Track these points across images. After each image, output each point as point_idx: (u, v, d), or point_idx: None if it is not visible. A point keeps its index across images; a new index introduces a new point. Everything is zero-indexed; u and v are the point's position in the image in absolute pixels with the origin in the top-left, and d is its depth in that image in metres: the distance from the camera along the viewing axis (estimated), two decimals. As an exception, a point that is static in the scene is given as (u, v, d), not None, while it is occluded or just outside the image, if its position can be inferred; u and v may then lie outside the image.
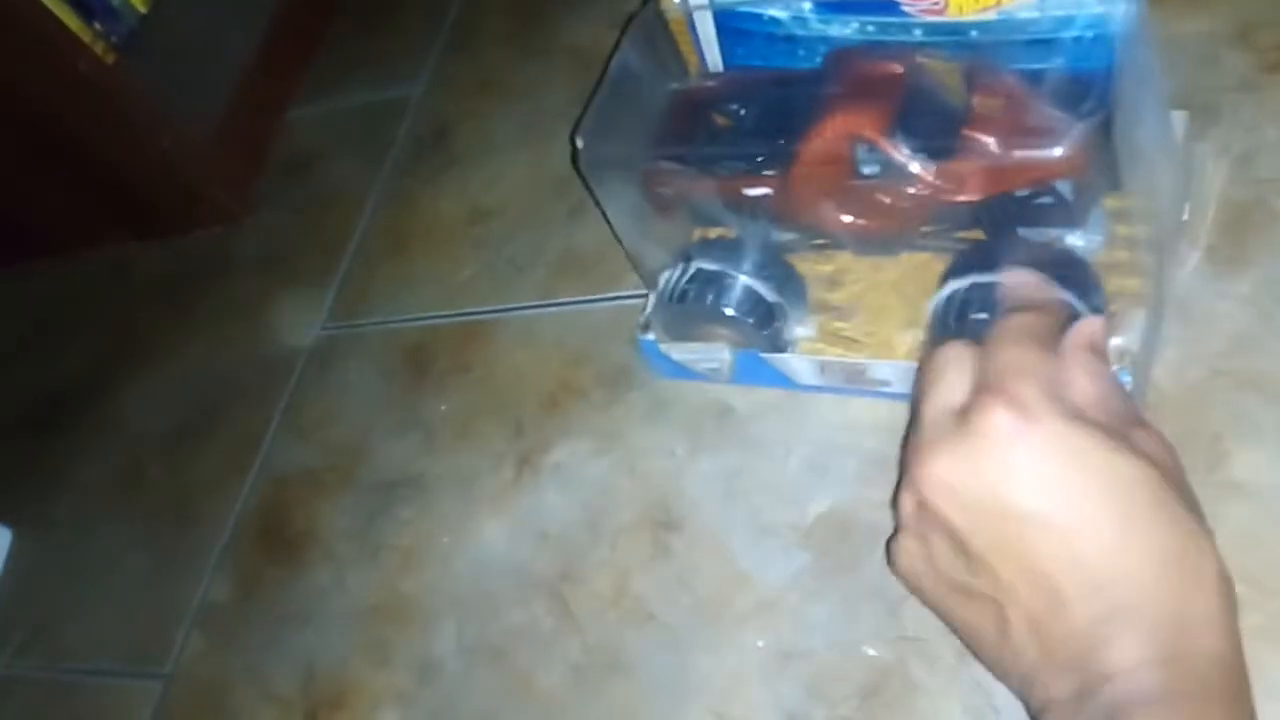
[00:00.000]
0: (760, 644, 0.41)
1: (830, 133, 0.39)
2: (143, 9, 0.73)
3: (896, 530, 0.32)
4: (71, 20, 0.66)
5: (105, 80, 0.69)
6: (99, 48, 0.68)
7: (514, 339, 0.57)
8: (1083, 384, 0.31)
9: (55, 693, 0.57)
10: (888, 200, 0.40)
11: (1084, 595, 0.27)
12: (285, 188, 0.76)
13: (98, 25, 0.69)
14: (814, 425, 0.46)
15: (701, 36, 0.44)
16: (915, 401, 0.32)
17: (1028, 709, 0.30)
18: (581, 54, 0.69)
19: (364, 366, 0.61)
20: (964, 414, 0.29)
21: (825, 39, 0.41)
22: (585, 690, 0.43)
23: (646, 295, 0.49)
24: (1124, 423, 0.30)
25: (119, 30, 0.71)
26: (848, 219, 0.42)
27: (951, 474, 0.29)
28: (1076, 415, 0.29)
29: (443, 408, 0.56)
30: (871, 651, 0.39)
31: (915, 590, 0.33)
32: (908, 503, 0.31)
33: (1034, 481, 0.28)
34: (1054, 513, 0.28)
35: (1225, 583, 0.28)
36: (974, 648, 0.32)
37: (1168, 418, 0.39)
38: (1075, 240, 0.40)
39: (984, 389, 0.29)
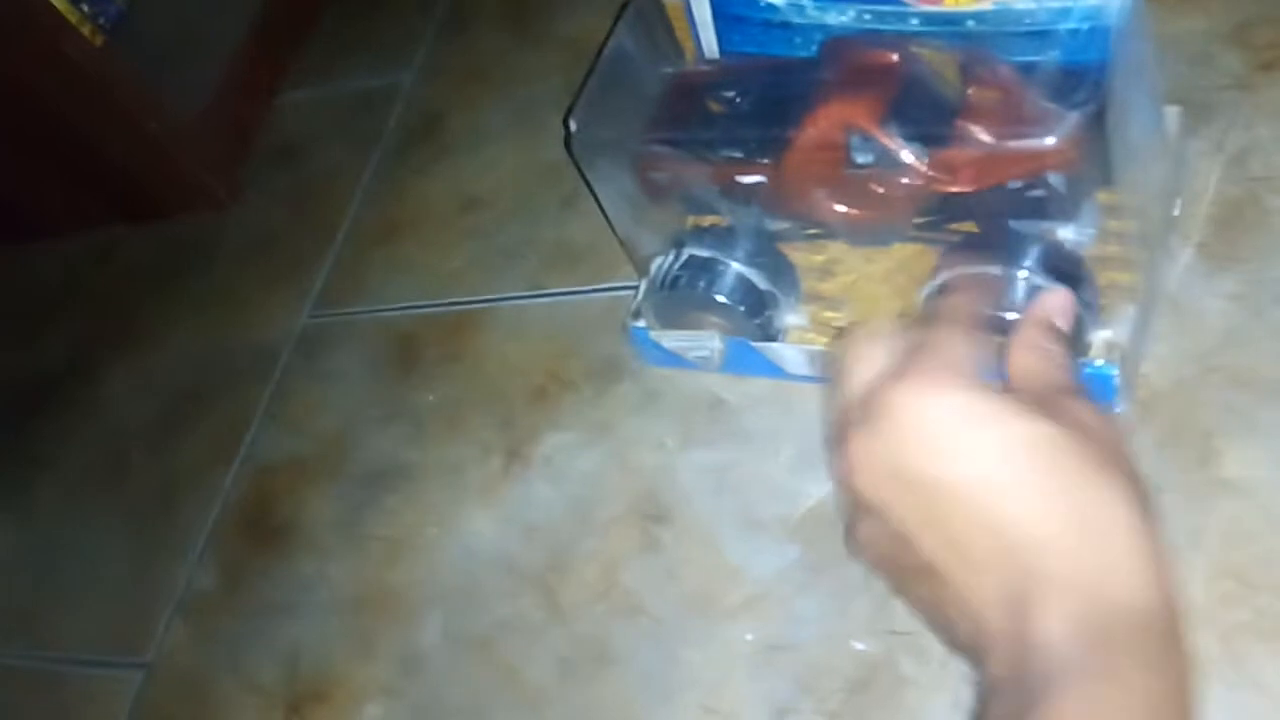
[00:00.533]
0: (749, 637, 0.41)
1: (825, 121, 0.39)
2: (132, -9, 0.72)
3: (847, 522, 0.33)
4: (60, 1, 0.66)
5: (92, 63, 0.68)
6: (87, 30, 0.67)
7: (504, 329, 0.57)
8: (1018, 358, 0.32)
9: (37, 680, 0.56)
10: (881, 190, 0.40)
11: (998, 561, 0.27)
12: (274, 174, 0.75)
13: (86, 7, 0.68)
14: (804, 418, 0.45)
15: (698, 22, 0.44)
16: (832, 386, 0.33)
17: (980, 687, 0.29)
18: (575, 43, 0.69)
19: (351, 355, 0.61)
20: (873, 393, 0.30)
21: (822, 27, 0.41)
22: (572, 683, 0.43)
23: (637, 285, 0.49)
24: (1054, 393, 0.31)
25: (108, 12, 0.70)
26: (840, 208, 0.41)
27: (863, 453, 0.30)
28: (984, 385, 0.29)
29: (431, 398, 0.56)
30: (860, 645, 0.39)
31: (878, 576, 0.33)
32: (841, 492, 0.31)
33: (939, 450, 0.28)
34: (960, 480, 0.28)
35: (1139, 531, 0.27)
36: (929, 626, 0.32)
37: (1159, 414, 0.39)
38: (1067, 233, 0.40)
39: (893, 368, 0.30)
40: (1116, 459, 0.28)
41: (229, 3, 0.80)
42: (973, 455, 0.28)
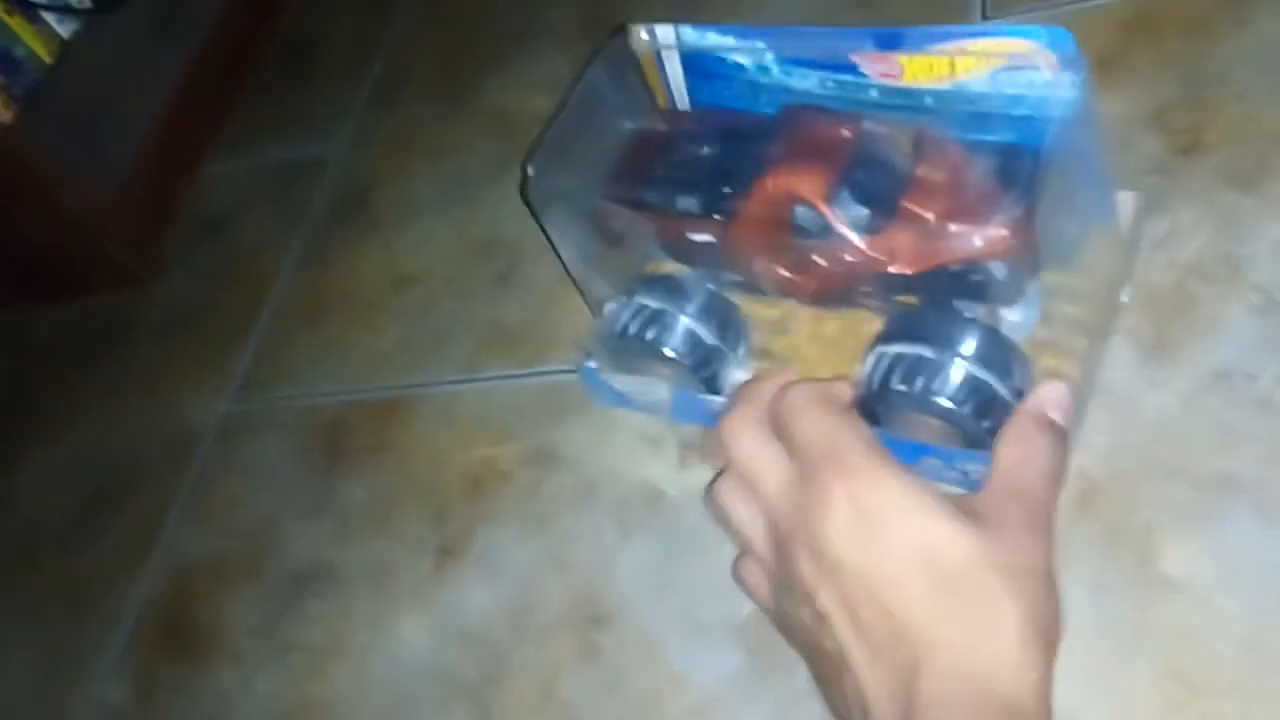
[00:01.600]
0: (693, 751, 0.40)
1: (772, 190, 0.39)
2: (48, 60, 0.70)
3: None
4: (-31, 73, 0.63)
5: (3, 136, 0.65)
6: (-2, 101, 0.65)
7: (436, 416, 0.55)
8: (1003, 451, 0.33)
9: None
10: (824, 262, 0.39)
11: (892, 648, 0.29)
12: (198, 248, 0.73)
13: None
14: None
15: (669, 75, 0.44)
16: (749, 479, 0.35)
17: None
18: (506, 115, 0.68)
19: (275, 445, 0.58)
20: (805, 484, 0.32)
21: (788, 89, 0.41)
22: (509, 804, 0.41)
23: (575, 368, 0.48)
24: (1018, 492, 0.32)
25: (21, 83, 0.68)
26: (786, 275, 0.41)
27: (800, 537, 0.31)
28: (917, 479, 0.31)
29: (359, 492, 0.54)
30: (807, 759, 0.38)
31: (805, 661, 0.35)
32: (777, 571, 0.34)
33: (864, 538, 0.30)
34: (874, 568, 0.30)
35: (1024, 640, 0.28)
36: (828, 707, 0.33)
37: (1098, 510, 0.39)
38: (1012, 315, 0.39)
39: (816, 459, 0.32)
40: (1027, 573, 0.30)
41: (151, 71, 0.78)
42: (890, 548, 0.30)
